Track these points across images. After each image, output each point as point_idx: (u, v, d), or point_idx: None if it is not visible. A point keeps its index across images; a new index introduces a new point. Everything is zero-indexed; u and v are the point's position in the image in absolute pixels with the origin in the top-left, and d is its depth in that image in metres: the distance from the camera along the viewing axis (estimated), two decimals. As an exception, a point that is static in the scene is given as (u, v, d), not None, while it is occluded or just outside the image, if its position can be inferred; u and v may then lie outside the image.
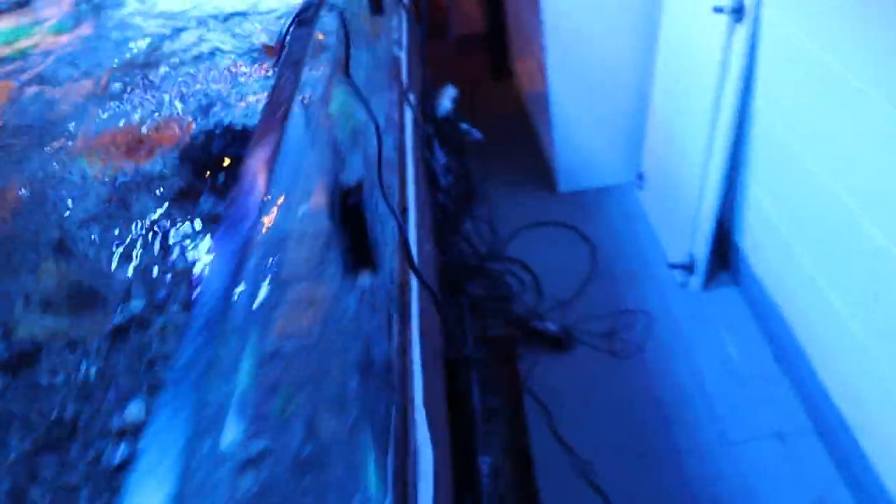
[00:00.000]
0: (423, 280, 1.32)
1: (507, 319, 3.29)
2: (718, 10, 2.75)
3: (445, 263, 2.53)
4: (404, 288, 1.21)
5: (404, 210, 1.42)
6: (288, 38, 0.81)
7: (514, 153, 4.44)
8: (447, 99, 3.30)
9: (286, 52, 0.81)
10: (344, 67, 1.04)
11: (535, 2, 3.59)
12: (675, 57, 3.28)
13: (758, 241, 2.98)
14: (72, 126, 1.81)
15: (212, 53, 2.09)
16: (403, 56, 2.11)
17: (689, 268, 3.27)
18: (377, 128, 1.12)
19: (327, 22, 1.35)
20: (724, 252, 3.31)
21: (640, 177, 3.85)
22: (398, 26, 2.08)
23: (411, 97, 1.92)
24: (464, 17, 5.59)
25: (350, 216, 0.79)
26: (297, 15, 0.81)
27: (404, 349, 1.09)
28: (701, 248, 3.20)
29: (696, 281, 3.28)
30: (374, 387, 0.95)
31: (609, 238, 3.71)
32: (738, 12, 2.71)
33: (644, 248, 3.60)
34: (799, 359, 2.67)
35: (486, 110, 4.91)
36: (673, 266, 3.33)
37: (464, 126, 3.52)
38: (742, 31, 2.72)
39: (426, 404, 1.20)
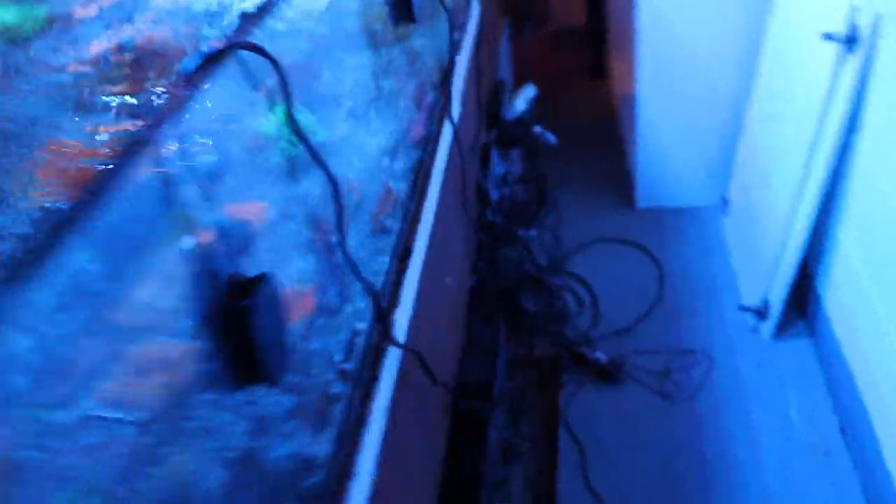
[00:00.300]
0: (409, 350, 1.17)
1: (556, 341, 3.10)
2: (828, 36, 2.45)
3: (480, 285, 2.37)
4: (376, 364, 1.07)
5: (407, 253, 1.27)
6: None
7: (596, 160, 4.20)
8: (522, 100, 3.11)
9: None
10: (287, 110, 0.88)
11: (632, 1, 3.33)
12: (776, 81, 2.97)
13: (840, 295, 2.68)
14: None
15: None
16: (462, 62, 1.94)
17: (761, 313, 2.99)
18: (335, 186, 0.96)
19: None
20: (804, 300, 3.01)
21: (725, 202, 3.56)
22: (455, 29, 1.91)
23: (455, 109, 1.75)
24: (564, 9, 5.33)
25: (233, 322, 0.64)
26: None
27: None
28: (777, 293, 2.91)
29: (767, 328, 2.99)
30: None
31: (681, 265, 3.45)
32: (851, 41, 2.40)
33: (717, 282, 3.32)
34: (867, 437, 2.38)
35: (575, 111, 4.67)
36: (744, 308, 3.05)
37: (537, 129, 3.32)
38: (853, 62, 2.41)
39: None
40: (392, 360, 1.12)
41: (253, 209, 0.90)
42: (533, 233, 3.78)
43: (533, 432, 2.86)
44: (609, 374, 2.92)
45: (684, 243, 3.57)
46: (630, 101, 3.83)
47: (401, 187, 1.34)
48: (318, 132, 1.29)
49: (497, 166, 2.44)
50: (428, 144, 1.51)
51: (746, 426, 2.68)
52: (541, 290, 3.39)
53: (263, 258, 0.81)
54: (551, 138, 3.39)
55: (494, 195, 2.34)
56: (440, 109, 1.66)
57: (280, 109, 1.21)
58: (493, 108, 2.65)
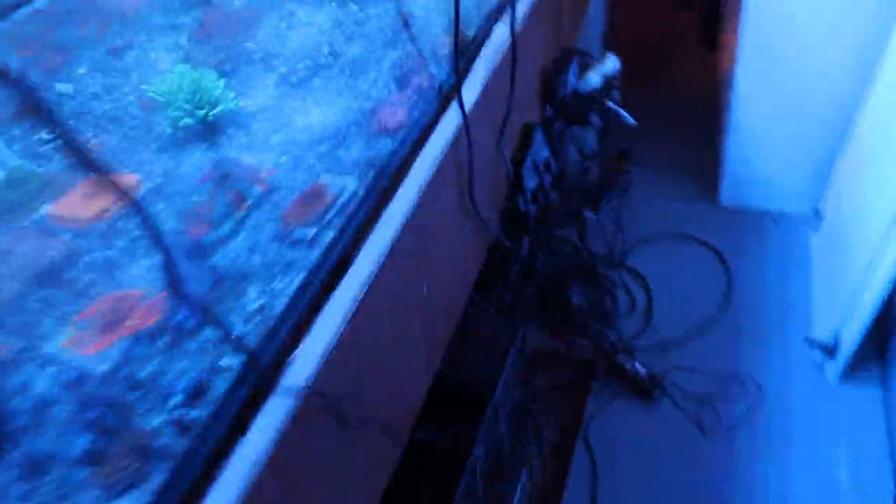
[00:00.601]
0: (315, 392, 0.98)
1: (596, 342, 2.85)
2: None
3: (497, 273, 2.15)
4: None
5: (340, 268, 1.06)
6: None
7: (685, 144, 3.82)
8: (597, 73, 2.79)
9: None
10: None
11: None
12: (893, 95, 2.55)
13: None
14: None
15: None
16: (499, 32, 1.68)
17: (830, 350, 2.65)
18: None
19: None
20: (883, 343, 2.65)
21: (817, 214, 3.16)
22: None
23: (473, 91, 1.51)
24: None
25: None
26: None
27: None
28: (853, 330, 2.56)
29: (833, 368, 2.65)
30: None
31: (755, 277, 3.10)
32: None
33: (790, 304, 2.97)
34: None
35: (675, 85, 4.27)
36: (811, 342, 2.71)
37: (612, 106, 3.00)
38: None
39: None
40: (278, 407, 0.94)
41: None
42: (600, 214, 3.50)
43: (549, 439, 2.66)
44: (644, 390, 2.67)
45: (763, 253, 3.21)
46: (727, 83, 3.44)
47: (346, 185, 1.12)
48: (226, 100, 1.10)
49: (541, 149, 2.18)
50: (410, 133, 1.28)
51: (785, 480, 2.39)
52: (593, 282, 3.13)
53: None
54: (629, 119, 3.06)
55: (531, 183, 2.09)
56: (446, 90, 1.42)
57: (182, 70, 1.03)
58: (550, 83, 2.37)
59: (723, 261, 3.19)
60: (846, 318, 2.58)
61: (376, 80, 1.29)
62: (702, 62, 4.42)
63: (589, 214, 3.29)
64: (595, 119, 2.91)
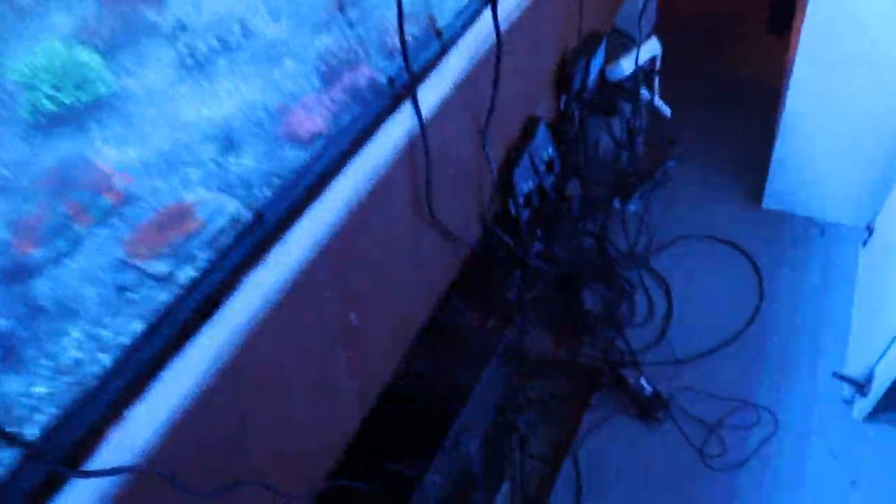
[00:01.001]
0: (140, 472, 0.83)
1: (604, 352, 2.65)
2: None
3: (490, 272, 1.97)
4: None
5: (207, 310, 0.90)
6: None
7: (733, 137, 3.52)
8: (630, 59, 2.53)
9: None
10: None
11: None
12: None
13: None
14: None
15: None
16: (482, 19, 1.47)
17: (861, 386, 2.39)
18: None
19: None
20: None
21: (869, 230, 2.86)
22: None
23: (436, 93, 1.32)
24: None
25: None
26: None
27: None
28: (888, 370, 2.29)
29: (862, 406, 2.40)
30: None
31: (790, 292, 2.83)
32: None
33: (824, 328, 2.70)
34: None
35: (732, 71, 3.93)
36: (841, 377, 2.45)
37: (645, 95, 2.75)
38: None
39: None
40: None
41: None
42: (633, 207, 3.25)
43: (539, 452, 2.49)
44: (647, 410, 2.46)
45: (803, 266, 2.93)
46: (785, 76, 3.12)
47: (221, 207, 0.95)
48: (102, 82, 0.94)
49: (543, 146, 1.97)
50: (336, 141, 1.10)
51: (788, 525, 2.18)
52: (610, 284, 2.91)
53: None
54: (664, 109, 2.81)
55: (526, 185, 1.88)
56: (399, 90, 1.23)
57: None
58: (567, 71, 2.13)
59: (757, 271, 2.92)
60: (885, 354, 2.32)
61: (295, 72, 1.10)
62: (767, 50, 4.05)
63: (617, 205, 3.06)
64: (625, 108, 2.66)
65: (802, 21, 2.76)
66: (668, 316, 2.79)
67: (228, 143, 1.00)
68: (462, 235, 1.65)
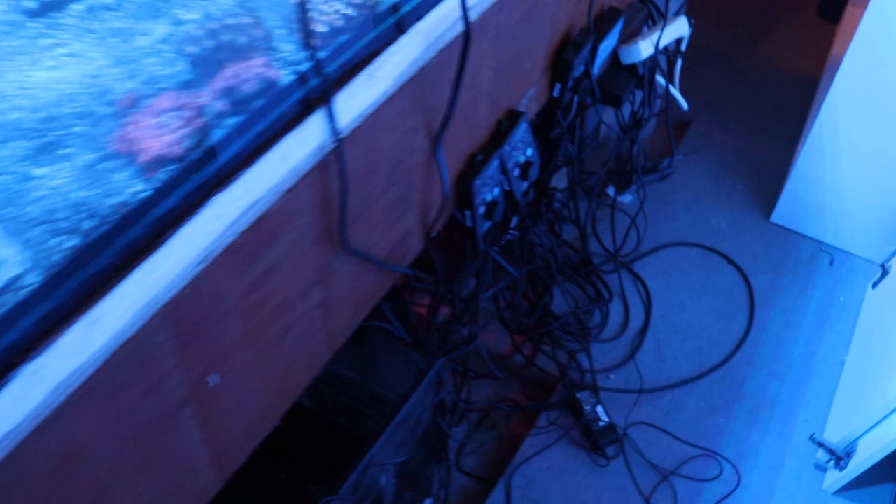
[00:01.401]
0: None
1: (561, 367, 2.36)
2: None
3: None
4: None
5: None
6: None
7: (752, 139, 3.14)
8: (649, 41, 2.14)
9: None
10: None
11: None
12: None
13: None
14: None
15: None
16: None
17: (838, 457, 2.11)
18: None
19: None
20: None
21: (884, 270, 2.53)
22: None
23: (363, 99, 0.97)
24: None
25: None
26: None
27: None
28: (874, 446, 2.01)
29: (835, 478, 2.13)
30: None
31: (781, 325, 2.53)
32: None
33: (810, 379, 2.41)
34: None
35: (767, 61, 3.50)
36: (818, 443, 2.18)
37: (662, 83, 2.37)
38: None
39: None
40: None
41: None
42: (627, 199, 2.91)
43: (468, 465, 2.23)
44: (598, 445, 2.19)
45: (803, 296, 2.61)
46: (828, 71, 2.73)
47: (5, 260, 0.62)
48: None
49: (520, 149, 1.62)
50: (192, 170, 0.76)
51: None
52: (585, 284, 2.60)
53: None
54: (682, 103, 2.43)
55: (489, 194, 1.55)
56: (313, 85, 0.89)
57: None
58: (565, 54, 1.76)
59: (751, 295, 2.61)
60: (873, 428, 2.04)
61: (149, 49, 0.76)
62: (812, 38, 3.61)
63: (612, 193, 2.71)
64: (635, 96, 2.29)
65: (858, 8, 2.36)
66: (643, 332, 2.49)
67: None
68: (397, 257, 1.33)
